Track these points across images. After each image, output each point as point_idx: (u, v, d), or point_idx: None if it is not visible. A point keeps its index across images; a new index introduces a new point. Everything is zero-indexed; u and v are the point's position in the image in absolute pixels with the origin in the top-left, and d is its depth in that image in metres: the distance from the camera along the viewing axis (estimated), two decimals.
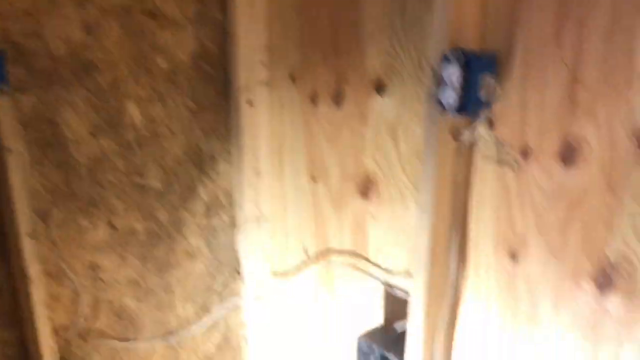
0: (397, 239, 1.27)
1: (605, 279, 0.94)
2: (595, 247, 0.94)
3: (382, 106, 1.23)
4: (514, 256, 1.06)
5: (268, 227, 1.61)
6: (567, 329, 1.01)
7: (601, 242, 0.93)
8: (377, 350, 1.27)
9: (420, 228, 1.09)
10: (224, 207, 1.62)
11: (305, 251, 1.53)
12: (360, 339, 1.30)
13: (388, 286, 1.30)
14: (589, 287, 0.96)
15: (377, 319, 1.37)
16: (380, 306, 1.35)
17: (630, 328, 0.92)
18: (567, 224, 0.97)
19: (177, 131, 1.45)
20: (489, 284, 1.11)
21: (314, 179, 1.44)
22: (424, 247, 1.09)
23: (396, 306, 1.31)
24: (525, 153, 1.01)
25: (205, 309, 1.67)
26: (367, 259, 1.35)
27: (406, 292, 1.26)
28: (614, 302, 0.93)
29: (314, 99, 1.39)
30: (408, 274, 1.26)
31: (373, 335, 1.30)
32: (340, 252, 1.42)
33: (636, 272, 0.90)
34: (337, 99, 1.32)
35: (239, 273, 1.69)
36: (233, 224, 1.64)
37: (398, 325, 1.26)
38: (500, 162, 1.04)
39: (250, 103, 1.48)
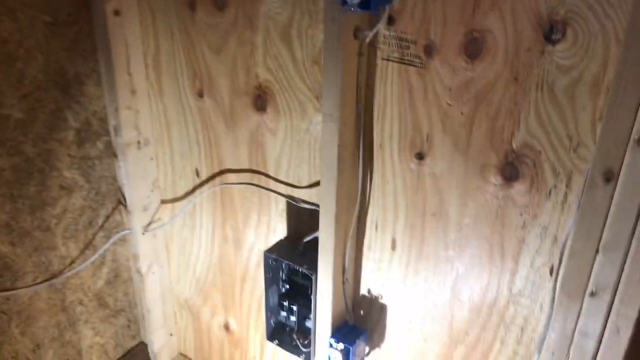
0: (298, 152, 1.22)
1: (511, 170, 0.97)
2: (501, 140, 0.96)
3: (271, 7, 1.13)
4: (420, 156, 1.06)
5: (151, 151, 1.48)
6: (474, 221, 1.04)
7: (507, 134, 0.95)
8: (284, 263, 1.25)
9: (327, 136, 1.05)
10: (98, 133, 1.46)
11: (197, 174, 1.43)
12: (266, 253, 1.26)
13: (292, 200, 1.27)
14: (495, 179, 0.99)
15: (281, 234, 1.34)
16: (283, 221, 1.32)
17: (534, 213, 0.97)
18: (473, 119, 0.97)
19: (33, 50, 1.25)
20: (395, 187, 1.11)
21: (200, 94, 1.33)
22: (332, 156, 1.05)
23: (300, 219, 1.29)
24: (428, 50, 0.98)
25: (89, 246, 1.54)
26: (267, 175, 1.30)
27: (312, 204, 1.24)
28: (519, 191, 0.97)
29: (191, 4, 1.25)
30: (313, 185, 1.23)
31: (279, 249, 1.27)
32: (237, 171, 1.35)
33: (540, 159, 0.93)
34: (219, 1, 1.20)
35: (123, 204, 1.56)
36: (111, 152, 1.50)
37: (305, 238, 1.24)
38: (403, 60, 1.01)
39: (117, 12, 1.30)
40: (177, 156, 1.46)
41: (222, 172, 1.38)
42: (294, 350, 1.33)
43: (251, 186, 1.34)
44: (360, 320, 1.30)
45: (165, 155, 1.48)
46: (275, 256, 1.25)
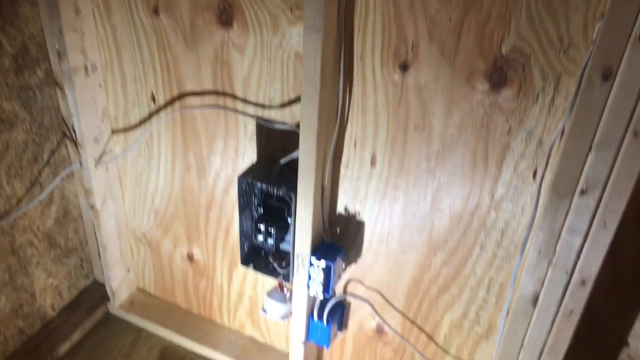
0: (270, 70, 1.16)
1: (499, 76, 0.97)
2: (490, 45, 0.95)
3: None
4: (404, 67, 1.04)
5: (99, 77, 1.37)
6: (458, 131, 1.05)
7: (497, 39, 0.94)
8: (260, 186, 1.21)
9: (309, 49, 1.00)
10: (37, 59, 1.33)
11: (153, 100, 1.35)
12: (240, 178, 1.22)
13: (263, 122, 1.22)
14: (482, 86, 0.99)
15: (251, 158, 1.30)
16: (253, 145, 1.28)
17: (520, 118, 0.99)
18: (462, 25, 0.96)
19: None
20: (377, 101, 1.09)
21: (155, 11, 1.22)
22: (314, 71, 1.01)
23: (272, 142, 1.25)
24: None
25: (36, 183, 1.43)
26: (234, 97, 1.24)
27: (287, 125, 1.20)
28: (506, 97, 0.98)
29: None
30: (287, 105, 1.18)
31: (253, 173, 1.23)
32: (200, 94, 1.28)
33: (529, 62, 0.94)
34: None
35: (68, 137, 1.45)
36: (52, 80, 1.37)
37: (282, 160, 1.21)
38: None
39: None
40: (129, 82, 1.36)
41: (182, 96, 1.30)
42: (271, 272, 1.32)
43: (216, 109, 1.27)
44: (337, 238, 1.30)
45: (116, 81, 1.37)
46: (250, 180, 1.21)
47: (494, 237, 1.13)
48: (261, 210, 1.29)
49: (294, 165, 1.16)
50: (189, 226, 1.51)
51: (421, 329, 1.33)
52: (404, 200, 1.18)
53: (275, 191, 1.23)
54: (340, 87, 1.09)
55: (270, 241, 1.29)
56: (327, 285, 1.25)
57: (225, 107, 1.26)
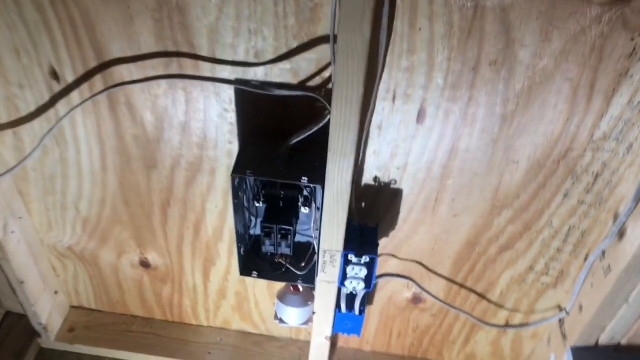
0: (252, 6, 0.75)
1: None
2: None
3: None
4: None
5: None
6: (557, 60, 0.74)
7: None
8: (263, 181, 0.84)
9: None
10: None
11: (53, 77, 0.87)
12: (234, 175, 0.84)
13: (249, 87, 0.82)
14: None
15: (228, 137, 0.91)
16: (232, 119, 0.88)
17: None
18: None
19: None
20: (433, 34, 0.74)
21: None
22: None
23: (262, 112, 0.86)
24: None
25: None
26: (195, 57, 0.81)
27: (293, 88, 0.81)
28: (636, 7, 0.68)
29: None
30: (288, 56, 0.79)
31: (249, 164, 0.85)
32: (135, 59, 0.83)
33: None
34: None
35: None
36: None
37: (293, 138, 0.83)
38: None
39: None
40: (7, 55, 0.86)
41: (105, 67, 0.85)
42: (284, 277, 0.99)
43: (167, 81, 0.84)
44: (364, 214, 0.99)
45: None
46: (250, 176, 0.83)
47: (584, 182, 0.88)
48: (263, 207, 0.93)
49: (306, 143, 0.81)
50: (138, 230, 1.11)
51: (471, 290, 1.10)
52: (462, 158, 0.88)
53: (287, 185, 0.87)
54: (385, 19, 0.72)
55: (280, 240, 0.94)
56: (369, 280, 0.96)
57: (181, 76, 0.83)
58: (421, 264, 1.07)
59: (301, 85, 0.82)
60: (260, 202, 0.93)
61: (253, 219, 0.98)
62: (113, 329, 1.32)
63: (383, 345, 1.29)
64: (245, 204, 0.93)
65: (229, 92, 0.84)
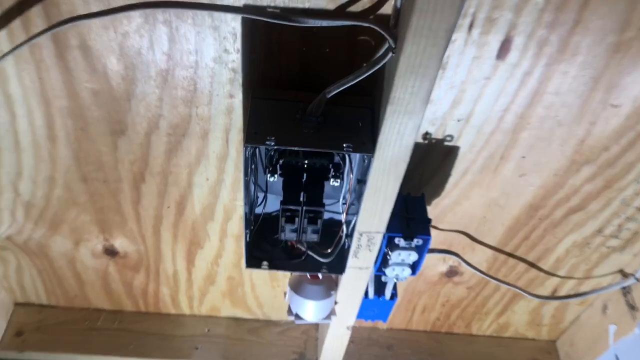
0: None
1: None
2: None
3: None
4: None
5: None
6: None
7: None
8: (294, 152, 0.60)
9: None
10: None
11: None
12: (247, 144, 0.59)
13: (264, 16, 0.56)
14: None
15: (235, 92, 0.65)
16: (237, 60, 0.62)
17: None
18: None
19: None
20: None
21: None
22: None
23: (280, 56, 0.61)
24: None
25: None
26: None
27: (335, 18, 0.56)
28: None
29: None
30: None
31: (269, 127, 0.60)
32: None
33: None
34: None
35: None
36: None
37: (328, 90, 0.58)
38: None
39: None
40: None
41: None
42: (304, 266, 0.76)
43: (143, 12, 0.56)
44: (403, 181, 0.77)
45: None
46: (273, 143, 0.58)
47: None
48: (278, 181, 0.69)
49: (341, 97, 0.57)
50: (101, 212, 0.85)
51: (520, 260, 0.91)
52: (548, 104, 0.66)
53: (314, 152, 0.63)
54: None
55: (306, 226, 0.71)
56: (417, 266, 0.75)
57: (163, 4, 0.56)
58: (466, 234, 0.87)
59: (341, 11, 0.57)
60: (276, 176, 0.68)
61: (260, 195, 0.74)
62: (73, 328, 1.07)
63: (402, 322, 1.10)
64: (264, 184, 0.69)
65: (232, 25, 0.58)
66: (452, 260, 0.92)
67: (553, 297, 0.98)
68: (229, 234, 0.88)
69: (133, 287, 1.02)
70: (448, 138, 0.71)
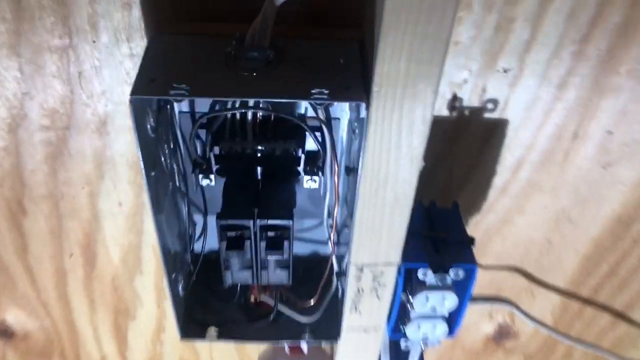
0: None
1: None
2: None
3: None
4: None
5: None
6: None
7: None
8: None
9: None
10: None
11: None
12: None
13: None
14: None
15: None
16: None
17: None
18: None
19: None
20: None
21: None
22: None
23: None
24: None
25: None
26: None
27: None
28: None
29: None
30: None
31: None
32: None
33: None
34: None
35: None
36: None
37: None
38: None
39: None
40: None
41: None
42: (273, 332, 0.48)
43: None
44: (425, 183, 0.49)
45: None
46: (186, 92, 0.31)
47: None
48: (219, 183, 0.41)
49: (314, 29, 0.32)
50: None
51: (604, 308, 0.62)
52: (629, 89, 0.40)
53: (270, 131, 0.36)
54: None
55: (266, 255, 0.42)
56: (457, 317, 0.46)
57: None
58: (522, 271, 0.58)
59: None
60: (213, 177, 0.41)
61: (199, 217, 0.46)
62: None
63: None
64: (180, 182, 0.42)
65: None
66: (502, 314, 0.63)
67: None
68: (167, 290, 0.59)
69: None
70: (490, 105, 0.44)
